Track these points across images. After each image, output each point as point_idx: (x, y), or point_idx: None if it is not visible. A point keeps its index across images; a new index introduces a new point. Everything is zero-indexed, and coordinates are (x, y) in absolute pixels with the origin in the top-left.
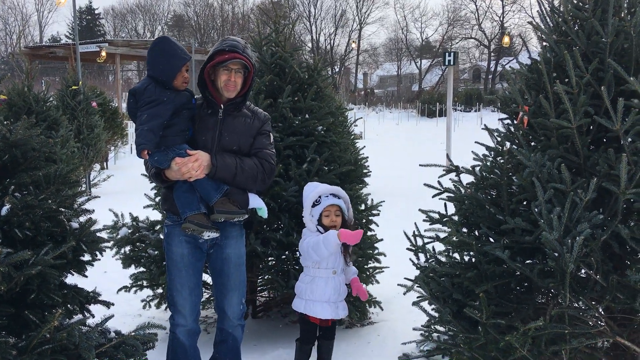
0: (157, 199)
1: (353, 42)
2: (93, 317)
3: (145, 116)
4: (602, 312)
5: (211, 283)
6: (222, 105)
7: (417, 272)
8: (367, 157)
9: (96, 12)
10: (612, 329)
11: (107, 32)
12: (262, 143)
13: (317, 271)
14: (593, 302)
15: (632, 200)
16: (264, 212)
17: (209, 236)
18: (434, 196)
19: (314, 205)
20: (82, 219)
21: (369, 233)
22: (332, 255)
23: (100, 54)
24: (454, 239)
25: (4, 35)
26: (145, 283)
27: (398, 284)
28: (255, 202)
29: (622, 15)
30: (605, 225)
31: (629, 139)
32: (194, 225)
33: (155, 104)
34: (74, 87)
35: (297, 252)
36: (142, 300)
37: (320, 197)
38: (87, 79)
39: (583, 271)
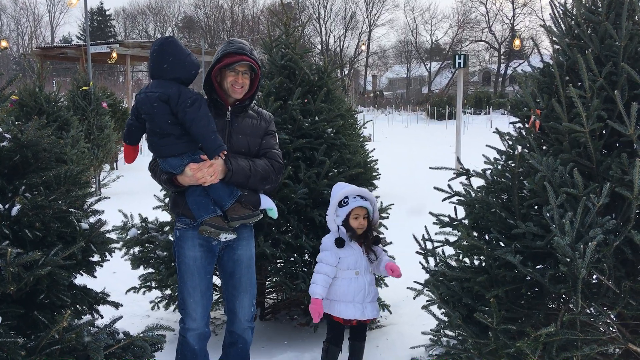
0: (167, 200)
1: (362, 44)
2: (102, 317)
3: (204, 118)
4: (614, 319)
5: (220, 285)
6: (229, 107)
7: (427, 276)
8: (377, 160)
9: (107, 13)
10: (624, 336)
11: (117, 33)
12: (269, 143)
13: (339, 272)
14: (605, 309)
15: None
16: (274, 213)
17: (225, 238)
18: (444, 200)
19: (340, 206)
20: (92, 219)
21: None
22: (351, 257)
23: (111, 55)
24: (464, 243)
25: (16, 36)
26: (154, 284)
27: (407, 288)
28: (266, 202)
29: (636, 18)
30: (618, 231)
31: None
32: (211, 227)
33: (199, 105)
34: (84, 88)
35: (306, 255)
36: (151, 302)
37: (347, 197)
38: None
39: (595, 277)
